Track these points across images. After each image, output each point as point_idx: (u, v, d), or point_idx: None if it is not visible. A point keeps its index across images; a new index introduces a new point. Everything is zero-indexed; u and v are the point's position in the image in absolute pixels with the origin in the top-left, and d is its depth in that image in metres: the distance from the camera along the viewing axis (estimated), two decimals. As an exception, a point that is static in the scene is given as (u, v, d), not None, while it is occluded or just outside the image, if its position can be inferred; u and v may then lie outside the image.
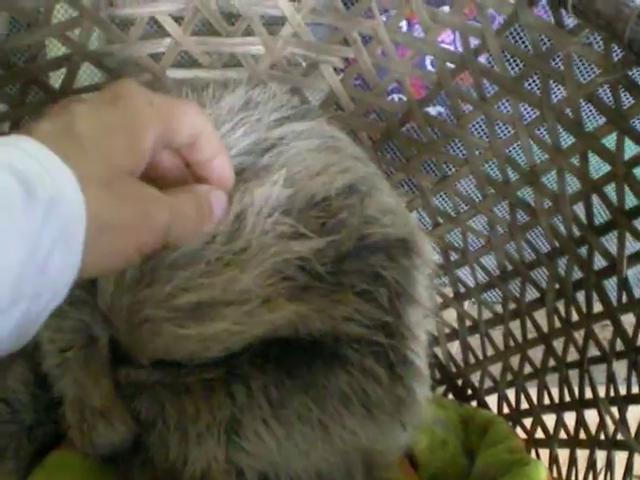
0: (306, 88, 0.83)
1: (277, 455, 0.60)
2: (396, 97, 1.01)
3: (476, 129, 0.87)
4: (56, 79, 0.80)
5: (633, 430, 0.71)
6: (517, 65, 0.85)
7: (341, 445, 0.61)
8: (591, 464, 0.76)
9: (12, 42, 0.72)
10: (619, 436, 0.72)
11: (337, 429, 0.61)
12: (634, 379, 0.71)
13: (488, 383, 0.93)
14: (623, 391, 0.73)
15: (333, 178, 0.59)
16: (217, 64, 0.80)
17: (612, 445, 0.73)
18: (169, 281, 0.54)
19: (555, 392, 0.84)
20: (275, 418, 0.59)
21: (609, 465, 0.73)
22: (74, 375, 0.61)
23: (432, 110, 0.86)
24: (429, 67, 1.05)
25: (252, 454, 0.60)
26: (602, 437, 0.75)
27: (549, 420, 0.85)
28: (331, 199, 0.58)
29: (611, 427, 0.74)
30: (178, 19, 0.77)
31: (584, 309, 0.77)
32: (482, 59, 0.78)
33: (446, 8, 0.77)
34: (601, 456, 0.75)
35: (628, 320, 0.72)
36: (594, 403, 0.76)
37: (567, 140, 0.75)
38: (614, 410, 0.74)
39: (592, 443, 0.77)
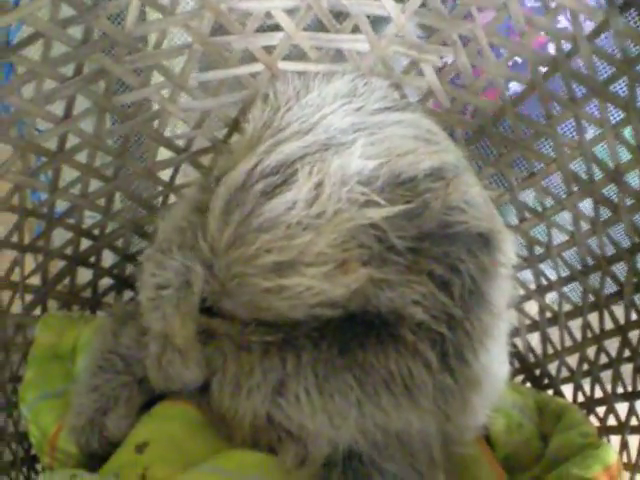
0: (406, 85, 0.88)
1: (310, 422, 0.66)
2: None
3: (563, 129, 0.90)
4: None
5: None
6: (605, 70, 0.88)
7: (372, 425, 0.66)
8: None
9: (140, 29, 0.79)
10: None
11: (371, 409, 0.65)
12: None
13: (564, 373, 0.97)
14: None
15: (421, 159, 0.63)
16: (325, 59, 0.86)
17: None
18: (254, 243, 0.60)
19: (628, 382, 0.87)
20: (317, 389, 0.65)
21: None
22: (164, 312, 0.67)
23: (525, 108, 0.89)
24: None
25: (288, 415, 0.66)
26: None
27: (621, 408, 0.88)
28: (418, 180, 0.62)
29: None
30: (291, 14, 0.83)
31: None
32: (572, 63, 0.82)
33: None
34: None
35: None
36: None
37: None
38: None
39: (661, 429, 0.80)
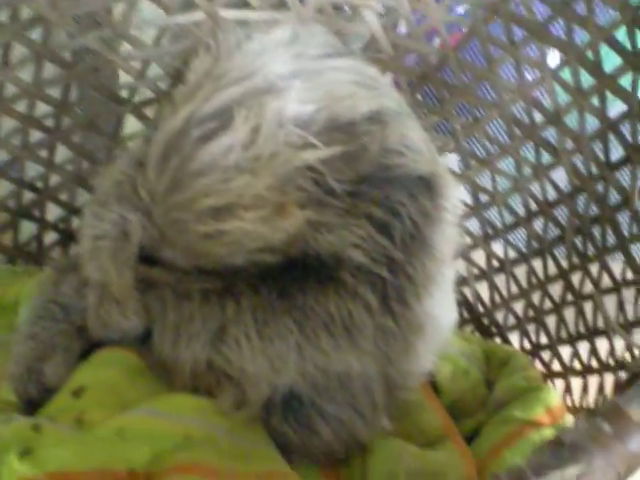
0: (349, 34, 0.88)
1: (250, 366, 0.66)
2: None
3: (505, 73, 0.90)
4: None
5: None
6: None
7: (312, 367, 0.66)
8: (600, 389, 0.80)
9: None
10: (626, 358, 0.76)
11: (311, 351, 0.65)
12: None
13: (511, 320, 0.98)
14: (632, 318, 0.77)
15: (360, 103, 0.63)
16: (266, 7, 0.85)
17: (619, 368, 0.77)
18: (191, 188, 0.60)
19: (572, 326, 0.87)
20: (257, 333, 0.65)
21: (617, 386, 0.77)
22: (101, 262, 0.68)
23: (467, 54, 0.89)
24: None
25: (229, 360, 0.66)
26: (611, 362, 0.79)
27: (565, 353, 0.88)
28: (356, 124, 0.62)
29: (619, 352, 0.78)
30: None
31: (599, 243, 0.81)
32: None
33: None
34: (609, 380, 0.79)
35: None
36: (605, 331, 0.80)
37: (587, 82, 0.79)
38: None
39: (602, 369, 0.80)
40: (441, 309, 0.73)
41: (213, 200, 0.60)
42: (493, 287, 0.99)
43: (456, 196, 0.73)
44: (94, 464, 0.61)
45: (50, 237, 0.95)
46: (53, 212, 0.94)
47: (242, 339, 0.66)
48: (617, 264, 0.80)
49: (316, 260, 0.65)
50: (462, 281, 0.99)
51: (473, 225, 1.00)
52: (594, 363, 0.83)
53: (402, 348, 0.69)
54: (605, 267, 0.81)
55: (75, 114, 0.88)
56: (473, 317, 1.01)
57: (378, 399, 0.71)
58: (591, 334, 0.83)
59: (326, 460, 0.74)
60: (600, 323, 0.82)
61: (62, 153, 0.91)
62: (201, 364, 0.68)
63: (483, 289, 1.00)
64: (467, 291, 1.01)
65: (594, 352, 0.83)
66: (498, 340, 0.99)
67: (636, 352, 0.74)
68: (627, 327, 0.76)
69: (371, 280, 0.65)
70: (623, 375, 0.76)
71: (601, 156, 0.79)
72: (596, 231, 0.82)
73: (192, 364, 0.68)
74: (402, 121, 0.67)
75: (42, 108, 0.86)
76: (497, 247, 0.98)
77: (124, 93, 0.90)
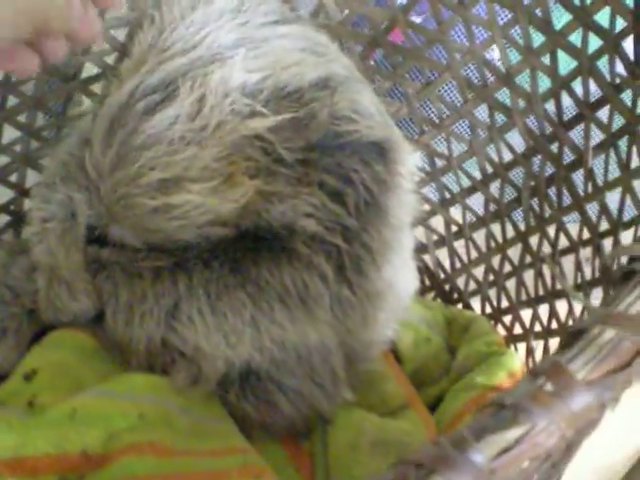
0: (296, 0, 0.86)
1: (205, 342, 0.65)
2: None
3: (457, 34, 0.89)
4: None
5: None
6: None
7: (268, 340, 0.65)
8: (561, 350, 0.79)
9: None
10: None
11: (266, 324, 0.65)
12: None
13: (472, 286, 0.97)
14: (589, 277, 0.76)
15: (307, 70, 0.61)
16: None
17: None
18: (137, 161, 0.59)
19: (531, 288, 0.87)
20: (210, 309, 0.65)
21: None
22: (49, 244, 0.67)
23: (417, 17, 0.87)
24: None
25: (183, 338, 0.66)
26: (570, 323, 0.79)
27: (526, 316, 0.88)
28: (303, 90, 0.60)
29: (578, 313, 0.77)
30: None
31: (555, 203, 0.80)
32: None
33: None
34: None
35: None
36: (564, 293, 0.80)
37: (537, 41, 0.78)
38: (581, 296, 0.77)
39: (562, 331, 0.80)
40: (400, 277, 0.73)
41: (159, 173, 0.59)
42: (453, 253, 0.98)
43: (411, 162, 0.72)
44: (46, 448, 0.60)
45: (1, 220, 0.93)
46: (3, 194, 0.92)
47: (195, 315, 0.65)
48: (574, 225, 0.79)
49: (268, 231, 0.64)
50: (422, 248, 0.98)
51: (430, 191, 0.99)
52: (554, 325, 0.82)
53: (361, 318, 0.69)
54: (562, 227, 0.80)
55: (21, 93, 0.85)
56: (434, 284, 1.01)
57: (338, 370, 0.71)
58: (551, 296, 0.82)
59: (287, 434, 0.74)
60: (559, 285, 0.81)
61: (9, 134, 0.89)
62: (156, 343, 0.66)
63: (443, 255, 0.99)
64: (427, 258, 0.99)
65: (554, 314, 0.82)
66: (460, 306, 0.98)
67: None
68: (585, 287, 0.76)
69: (326, 249, 0.64)
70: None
71: (554, 116, 0.78)
72: (552, 192, 0.81)
73: (146, 343, 0.67)
74: (352, 86, 0.66)
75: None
76: (455, 212, 0.97)
77: (70, 70, 0.88)
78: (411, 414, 0.80)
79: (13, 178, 0.90)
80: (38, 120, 0.88)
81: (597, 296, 0.74)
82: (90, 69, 0.89)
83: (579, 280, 0.77)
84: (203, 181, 0.59)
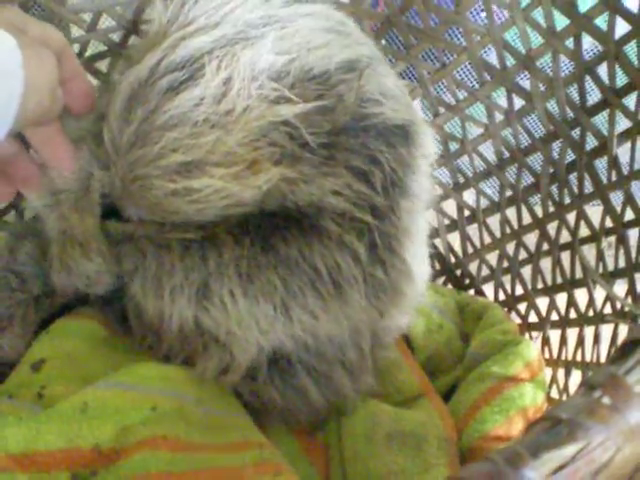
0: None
1: (237, 327, 0.64)
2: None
3: (474, 16, 0.87)
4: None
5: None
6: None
7: (300, 330, 0.64)
8: (580, 341, 0.78)
9: None
10: (606, 310, 0.74)
11: (298, 311, 0.63)
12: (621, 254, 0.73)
13: (485, 272, 0.96)
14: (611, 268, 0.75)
15: (333, 52, 0.60)
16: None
17: (600, 320, 0.75)
18: (158, 142, 0.57)
19: (548, 276, 0.85)
20: (242, 290, 0.63)
21: (596, 340, 0.75)
22: (62, 212, 0.65)
23: None
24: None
25: (215, 320, 0.64)
26: (591, 314, 0.77)
27: (542, 304, 0.86)
28: (330, 73, 0.59)
29: (599, 303, 0.76)
30: None
31: (576, 191, 0.79)
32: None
33: None
34: (589, 332, 0.77)
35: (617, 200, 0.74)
36: (584, 282, 0.78)
37: (561, 24, 0.76)
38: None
39: (581, 320, 0.79)
40: (417, 262, 0.71)
41: (181, 156, 0.57)
42: (465, 237, 0.96)
43: (431, 145, 0.70)
44: (57, 443, 0.59)
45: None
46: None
47: (226, 297, 0.63)
48: (595, 213, 0.77)
49: (296, 211, 0.62)
50: (433, 232, 0.96)
51: (443, 174, 0.97)
52: (573, 314, 0.81)
53: (392, 299, 0.67)
54: (583, 215, 0.78)
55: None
56: (445, 269, 0.99)
57: (366, 353, 0.70)
58: (569, 285, 0.81)
59: (306, 423, 0.73)
60: (578, 273, 0.80)
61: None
62: (189, 322, 0.65)
63: (455, 240, 0.98)
64: (438, 242, 0.98)
65: (572, 303, 0.81)
66: (472, 292, 0.97)
67: (617, 304, 0.72)
68: (607, 277, 0.74)
69: (356, 227, 0.62)
70: (604, 329, 0.74)
71: (577, 100, 0.76)
72: (573, 178, 0.79)
73: (178, 322, 0.65)
74: (378, 68, 0.64)
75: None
76: (468, 196, 0.95)
77: (75, 47, 0.85)
78: (426, 404, 0.79)
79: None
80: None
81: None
82: (96, 46, 0.87)
83: (600, 270, 0.75)
84: (226, 166, 0.57)
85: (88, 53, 0.86)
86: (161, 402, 0.63)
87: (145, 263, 0.65)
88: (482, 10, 0.81)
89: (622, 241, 0.72)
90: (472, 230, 0.96)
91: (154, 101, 0.57)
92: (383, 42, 0.91)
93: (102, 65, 0.88)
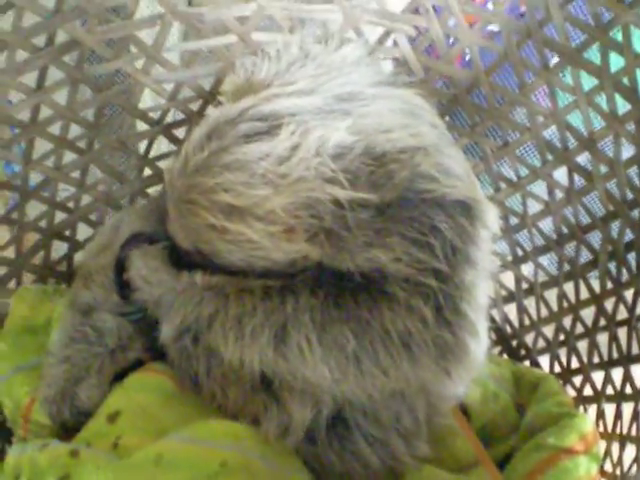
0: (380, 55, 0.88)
1: (311, 374, 0.66)
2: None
3: (537, 98, 0.90)
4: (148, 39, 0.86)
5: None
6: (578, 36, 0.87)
7: (371, 385, 0.66)
8: (635, 415, 0.80)
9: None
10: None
11: (370, 366, 0.65)
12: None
13: (541, 343, 0.97)
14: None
15: (402, 137, 0.63)
16: (297, 29, 0.85)
17: (655, 395, 0.77)
18: (216, 177, 0.61)
19: (604, 351, 0.87)
20: (317, 338, 0.65)
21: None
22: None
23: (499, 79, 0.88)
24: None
25: (292, 365, 0.66)
26: (646, 389, 0.79)
27: (598, 378, 0.88)
28: (388, 153, 0.62)
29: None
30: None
31: (634, 269, 0.81)
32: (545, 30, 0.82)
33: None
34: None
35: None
36: (640, 358, 0.80)
37: (623, 108, 0.79)
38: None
39: (637, 395, 0.80)
40: (480, 328, 0.72)
41: (230, 198, 0.61)
42: (522, 309, 0.98)
43: (494, 220, 0.72)
44: None
45: (80, 256, 0.95)
46: (84, 232, 0.94)
47: (303, 342, 0.65)
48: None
49: (361, 275, 0.65)
50: (491, 303, 0.98)
51: (502, 247, 1.00)
52: (628, 389, 0.82)
53: (459, 359, 0.68)
54: (640, 293, 0.80)
55: (107, 136, 0.88)
56: (501, 339, 1.01)
57: (421, 421, 0.72)
58: (625, 360, 0.83)
59: None
60: (635, 349, 0.81)
61: (93, 174, 0.92)
62: (268, 367, 0.67)
63: (512, 311, 1.00)
64: (495, 313, 1.00)
65: (628, 378, 0.82)
66: (527, 363, 0.99)
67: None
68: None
69: (421, 291, 0.64)
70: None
71: (637, 182, 0.79)
72: (631, 257, 0.81)
73: (259, 365, 0.67)
74: (442, 149, 0.67)
75: (75, 130, 0.86)
76: (526, 269, 0.97)
77: (156, 115, 0.90)
78: (481, 472, 0.80)
79: (94, 216, 0.93)
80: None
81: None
82: (175, 114, 0.91)
83: (656, 347, 0.77)
84: (264, 222, 0.61)
85: (167, 120, 0.91)
86: (230, 457, 0.66)
87: (227, 305, 0.68)
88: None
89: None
90: (528, 301, 0.98)
91: (228, 140, 0.61)
92: (447, 118, 0.94)
93: (179, 133, 0.92)
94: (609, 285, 0.85)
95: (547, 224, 0.92)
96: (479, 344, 0.70)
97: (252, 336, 0.66)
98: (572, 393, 0.91)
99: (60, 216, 0.92)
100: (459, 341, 0.67)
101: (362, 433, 0.69)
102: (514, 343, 1.00)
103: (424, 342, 0.65)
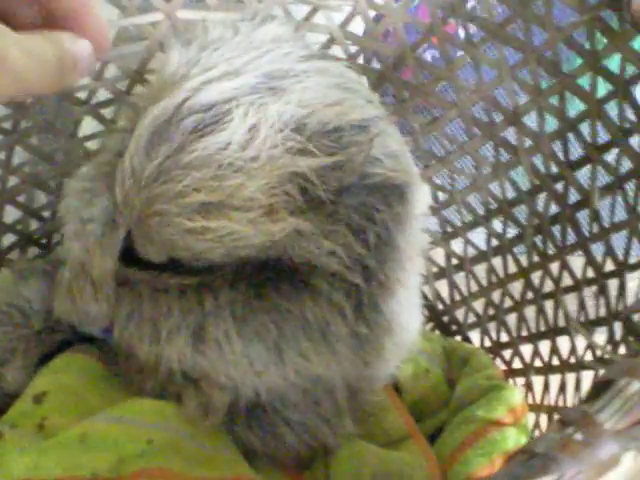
0: (306, 32, 0.87)
1: (233, 369, 0.66)
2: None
3: (463, 73, 0.90)
4: None
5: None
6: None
7: (293, 372, 0.66)
8: (562, 387, 0.81)
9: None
10: (587, 357, 0.77)
11: (291, 354, 0.65)
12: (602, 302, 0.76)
13: (472, 318, 0.98)
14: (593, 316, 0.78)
15: (347, 110, 0.62)
16: (223, 6, 0.84)
17: (581, 367, 0.78)
18: (181, 180, 0.58)
19: (532, 325, 0.88)
20: (236, 332, 0.65)
21: (578, 386, 0.78)
22: (88, 244, 0.67)
23: (428, 54, 0.88)
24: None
25: (212, 362, 0.66)
26: (572, 361, 0.80)
27: (526, 350, 0.89)
28: (343, 131, 0.60)
29: (580, 351, 0.78)
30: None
31: (559, 242, 0.82)
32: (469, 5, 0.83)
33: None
34: (570, 379, 0.80)
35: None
36: (566, 330, 0.81)
37: (546, 82, 0.79)
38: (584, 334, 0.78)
39: (563, 367, 0.81)
40: (408, 313, 0.73)
41: (204, 196, 0.58)
42: (453, 285, 0.99)
43: (426, 202, 0.73)
44: (57, 471, 0.61)
45: (8, 239, 0.93)
46: (11, 214, 0.92)
47: (222, 337, 0.65)
48: (577, 263, 0.81)
49: (288, 265, 0.64)
50: (422, 280, 0.99)
51: (432, 224, 1.00)
52: (555, 361, 0.83)
53: (376, 352, 0.70)
54: (565, 266, 0.81)
55: (33, 116, 0.86)
56: (433, 315, 1.02)
57: (342, 404, 0.72)
58: (552, 332, 0.84)
59: (291, 464, 0.75)
60: (561, 322, 0.82)
61: (19, 155, 0.90)
62: (187, 365, 0.67)
63: (443, 287, 1.00)
64: (426, 289, 1.00)
65: (555, 350, 0.83)
66: (458, 338, 0.99)
67: (597, 352, 0.75)
68: (588, 326, 0.77)
69: (346, 288, 0.65)
70: (585, 374, 0.77)
71: (561, 155, 0.80)
72: (556, 230, 0.82)
73: (177, 363, 0.67)
74: (385, 129, 0.66)
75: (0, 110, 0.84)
76: (456, 245, 0.98)
77: (83, 94, 0.89)
78: (412, 445, 0.80)
79: (21, 199, 0.90)
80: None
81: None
82: (102, 94, 0.90)
83: (582, 319, 0.78)
84: (244, 210, 0.59)
85: (95, 100, 0.89)
86: (157, 436, 0.65)
87: (142, 307, 0.67)
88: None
89: (603, 291, 0.75)
90: (459, 278, 0.99)
91: (178, 140, 0.58)
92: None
93: (107, 113, 0.90)
94: (536, 258, 0.86)
95: (475, 199, 0.92)
96: (393, 339, 0.71)
97: (168, 338, 0.66)
98: (502, 367, 0.92)
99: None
100: (375, 337, 0.68)
101: (281, 417, 0.70)
102: (445, 319, 1.01)
103: (341, 334, 0.66)
